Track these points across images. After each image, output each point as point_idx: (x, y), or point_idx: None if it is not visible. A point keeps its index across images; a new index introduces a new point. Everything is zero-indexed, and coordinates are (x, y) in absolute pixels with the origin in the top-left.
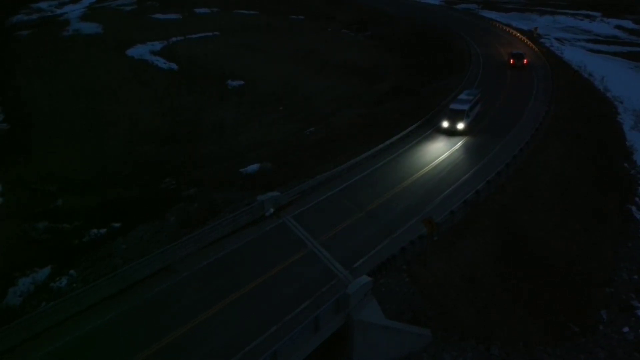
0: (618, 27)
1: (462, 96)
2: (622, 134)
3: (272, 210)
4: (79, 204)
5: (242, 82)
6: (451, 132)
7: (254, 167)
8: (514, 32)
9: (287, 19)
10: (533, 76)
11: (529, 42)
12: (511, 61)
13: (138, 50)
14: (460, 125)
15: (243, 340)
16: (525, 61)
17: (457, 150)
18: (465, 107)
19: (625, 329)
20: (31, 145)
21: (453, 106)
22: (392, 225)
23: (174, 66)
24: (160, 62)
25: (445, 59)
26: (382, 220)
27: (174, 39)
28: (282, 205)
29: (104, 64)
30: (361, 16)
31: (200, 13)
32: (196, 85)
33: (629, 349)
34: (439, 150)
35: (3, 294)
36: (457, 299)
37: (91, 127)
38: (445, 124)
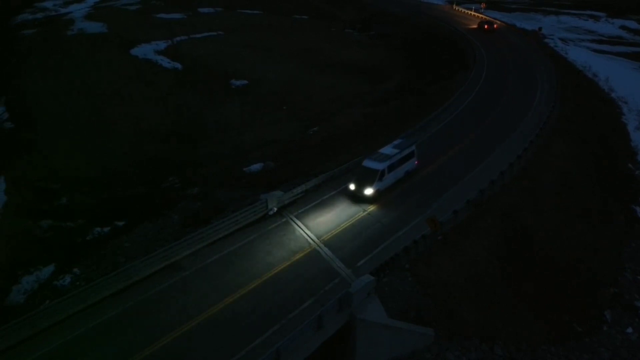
0: (623, 27)
1: (386, 149)
2: (627, 134)
3: (275, 209)
4: (82, 202)
5: (245, 82)
6: (357, 198)
7: (257, 166)
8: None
9: (291, 19)
10: (537, 78)
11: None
12: (485, 27)
13: (142, 50)
14: (369, 191)
15: (245, 338)
16: (495, 26)
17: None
18: (382, 166)
19: (629, 330)
20: (35, 143)
21: (366, 162)
22: None
23: (178, 65)
24: (165, 61)
25: (451, 57)
26: None
27: (178, 38)
28: (286, 204)
29: (108, 63)
30: (365, 15)
31: (204, 12)
32: (200, 85)
33: (633, 349)
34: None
35: (7, 292)
36: (461, 298)
37: (95, 126)
38: (351, 186)
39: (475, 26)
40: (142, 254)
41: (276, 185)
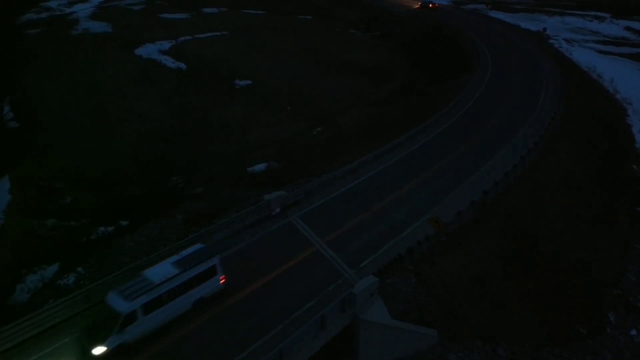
0: (627, 28)
1: (159, 268)
2: (632, 135)
3: (278, 209)
4: (87, 201)
5: (249, 82)
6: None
7: (261, 166)
8: None
9: (295, 19)
10: (542, 79)
11: None
12: (430, 5)
13: (147, 50)
14: (99, 350)
15: (248, 338)
16: (436, 5)
17: None
18: (128, 306)
19: (633, 332)
20: (40, 143)
21: (111, 296)
22: None
23: (183, 65)
24: (169, 61)
25: (454, 57)
26: None
27: (182, 38)
28: (289, 204)
29: (112, 62)
30: (369, 16)
31: (208, 13)
32: (204, 85)
33: (637, 352)
34: None
35: (11, 291)
36: (464, 299)
37: (99, 126)
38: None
39: (417, 6)
40: (145, 253)
41: (280, 185)
